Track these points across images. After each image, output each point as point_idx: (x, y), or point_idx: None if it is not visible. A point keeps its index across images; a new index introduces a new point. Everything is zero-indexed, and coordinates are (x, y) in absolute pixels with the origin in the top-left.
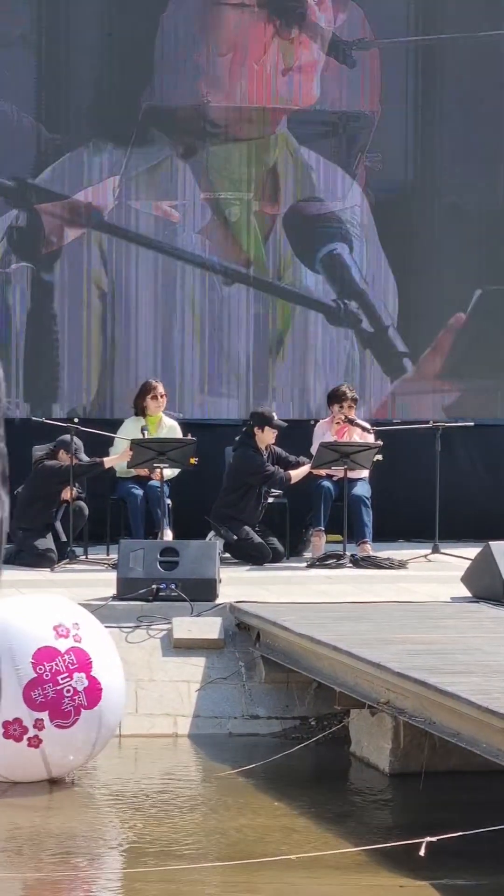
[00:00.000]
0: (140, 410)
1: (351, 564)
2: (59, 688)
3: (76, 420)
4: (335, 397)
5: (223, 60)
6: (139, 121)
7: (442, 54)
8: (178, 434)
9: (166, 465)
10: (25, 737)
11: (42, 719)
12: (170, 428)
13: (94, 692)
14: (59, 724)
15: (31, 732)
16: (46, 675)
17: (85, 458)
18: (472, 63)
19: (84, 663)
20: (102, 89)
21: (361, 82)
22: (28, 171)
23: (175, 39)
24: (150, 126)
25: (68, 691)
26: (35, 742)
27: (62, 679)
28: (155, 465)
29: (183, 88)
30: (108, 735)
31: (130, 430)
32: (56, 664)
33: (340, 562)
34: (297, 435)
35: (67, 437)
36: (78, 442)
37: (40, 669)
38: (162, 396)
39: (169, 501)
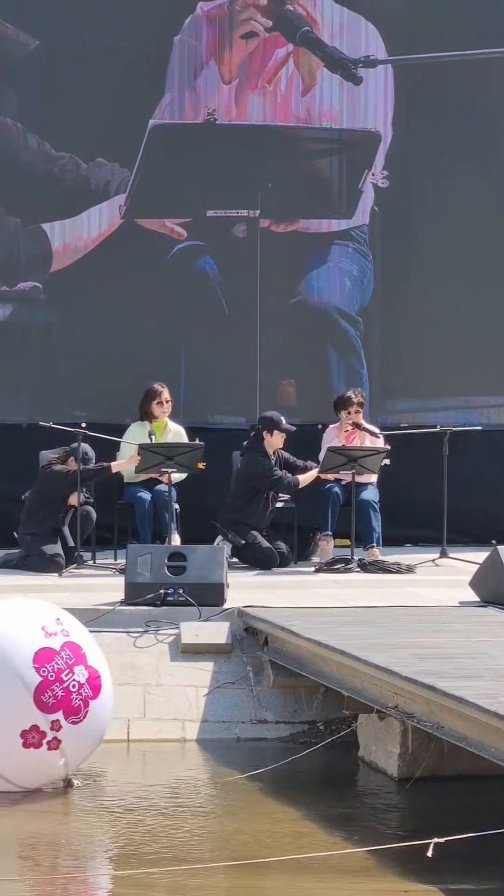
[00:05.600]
0: (145, 415)
1: (359, 569)
2: (65, 685)
3: (84, 425)
4: (341, 403)
5: (230, 78)
6: (146, 138)
7: (450, 73)
8: (184, 439)
9: (174, 470)
10: (45, 741)
11: (58, 720)
12: (175, 433)
13: (95, 681)
14: (73, 721)
15: (49, 735)
16: (51, 676)
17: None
18: (480, 81)
19: (79, 656)
20: (109, 107)
21: (369, 100)
22: (35, 189)
23: (183, 59)
24: (156, 143)
25: (74, 686)
26: (55, 744)
27: (66, 676)
28: (163, 469)
29: (189, 106)
30: (106, 729)
31: (135, 434)
32: (56, 663)
33: (348, 566)
34: (304, 440)
35: (83, 448)
36: (91, 453)
37: (44, 672)
38: (167, 402)
39: (176, 506)
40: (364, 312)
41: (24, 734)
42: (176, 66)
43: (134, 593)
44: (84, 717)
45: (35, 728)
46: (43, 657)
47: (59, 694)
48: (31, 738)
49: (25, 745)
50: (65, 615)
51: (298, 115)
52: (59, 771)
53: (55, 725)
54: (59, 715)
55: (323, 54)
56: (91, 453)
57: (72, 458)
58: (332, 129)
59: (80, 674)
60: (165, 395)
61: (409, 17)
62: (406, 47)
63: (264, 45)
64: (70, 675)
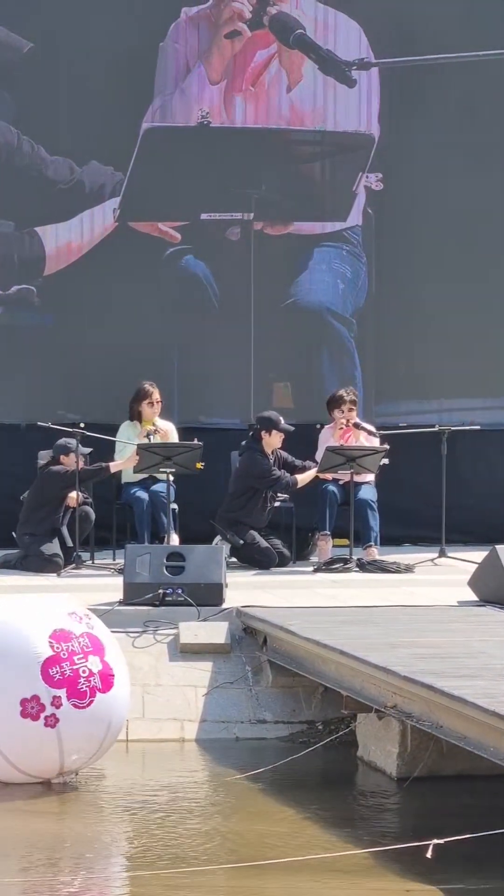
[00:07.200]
0: (136, 415)
1: (357, 569)
2: (75, 667)
3: (81, 425)
4: (334, 402)
5: (223, 81)
6: (140, 141)
7: (443, 75)
8: (174, 437)
9: (172, 470)
10: (42, 715)
11: (60, 696)
12: (164, 431)
13: (107, 677)
14: (75, 704)
15: (49, 710)
16: (63, 654)
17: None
18: (473, 84)
19: (98, 648)
20: (103, 110)
21: (362, 102)
22: (29, 192)
23: (175, 61)
24: (150, 146)
25: (84, 672)
26: (52, 721)
27: (78, 659)
28: (161, 469)
29: (183, 109)
30: (115, 733)
31: (128, 434)
32: (72, 645)
33: (347, 566)
34: (299, 440)
35: (64, 441)
36: (84, 448)
37: (57, 648)
38: (157, 402)
39: (175, 506)
40: (358, 314)
41: (23, 702)
42: (164, 67)
43: (133, 593)
44: (88, 705)
45: (36, 699)
46: (61, 636)
47: (68, 673)
48: (31, 707)
49: (23, 713)
50: (95, 619)
51: (285, 115)
52: (52, 756)
53: (56, 701)
54: (62, 692)
55: (317, 57)
56: (84, 448)
57: (62, 455)
58: (326, 131)
59: (94, 664)
60: (156, 395)
61: (396, 19)
62: (392, 49)
63: (248, 46)
64: (83, 660)
